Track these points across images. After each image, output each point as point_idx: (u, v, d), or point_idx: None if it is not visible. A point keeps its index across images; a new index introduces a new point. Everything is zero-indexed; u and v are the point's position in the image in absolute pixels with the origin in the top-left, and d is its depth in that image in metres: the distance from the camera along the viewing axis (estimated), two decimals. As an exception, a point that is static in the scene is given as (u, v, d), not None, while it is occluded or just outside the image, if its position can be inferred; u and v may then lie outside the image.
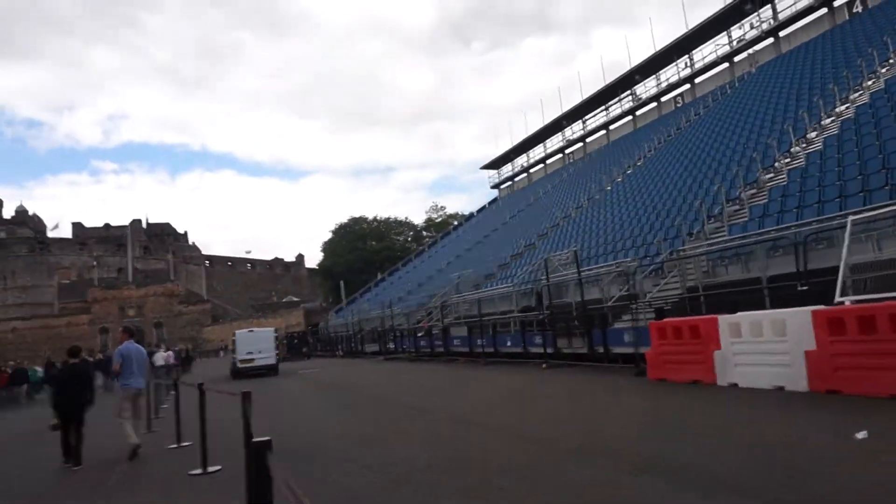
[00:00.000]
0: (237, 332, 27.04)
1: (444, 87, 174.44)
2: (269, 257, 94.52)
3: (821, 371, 7.68)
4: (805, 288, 9.03)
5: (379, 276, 57.42)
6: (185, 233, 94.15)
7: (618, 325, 15.08)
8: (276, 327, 36.86)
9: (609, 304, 16.63)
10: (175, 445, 8.58)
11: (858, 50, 27.67)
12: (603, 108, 56.18)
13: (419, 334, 25.31)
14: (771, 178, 19.69)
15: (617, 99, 54.18)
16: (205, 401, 7.19)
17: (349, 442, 8.01)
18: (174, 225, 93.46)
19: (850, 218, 8.48)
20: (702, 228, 18.24)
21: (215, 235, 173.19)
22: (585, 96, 56.15)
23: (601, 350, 13.82)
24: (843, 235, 11.94)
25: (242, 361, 24.53)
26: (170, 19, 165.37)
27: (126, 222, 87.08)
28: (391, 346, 28.12)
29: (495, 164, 71.16)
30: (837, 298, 7.95)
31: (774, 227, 14.20)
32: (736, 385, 8.99)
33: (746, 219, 16.61)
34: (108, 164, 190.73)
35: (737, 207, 18.74)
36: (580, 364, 14.58)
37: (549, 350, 15.62)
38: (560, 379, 13.07)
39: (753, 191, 19.31)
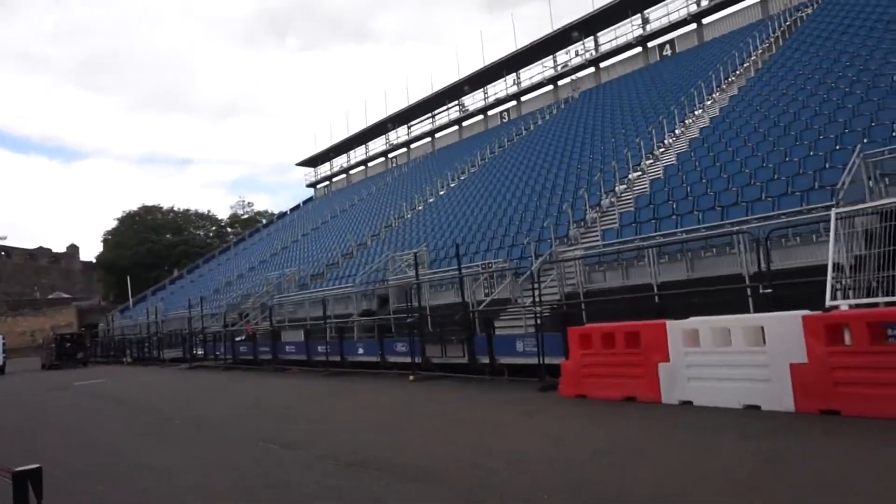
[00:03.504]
0: None
1: (256, 81, 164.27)
2: (32, 246, 79.45)
3: (814, 388, 6.47)
4: (769, 291, 7.93)
5: (176, 273, 50.62)
6: (-87, 207, 75.27)
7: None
8: (41, 328, 30.51)
9: (481, 306, 14.96)
10: None
11: (678, 86, 29.88)
12: (429, 115, 55.88)
13: (238, 339, 21.47)
14: (625, 189, 19.68)
15: (445, 107, 54.19)
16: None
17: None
18: None
19: (834, 211, 7.52)
20: (567, 234, 17.46)
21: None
22: (412, 101, 55.46)
23: (485, 360, 11.92)
24: (737, 242, 11.59)
25: None
26: None
27: None
28: (199, 352, 23.70)
29: (313, 161, 67.58)
30: (830, 302, 6.85)
31: (662, 232, 13.58)
32: (689, 403, 7.57)
33: (617, 225, 16.04)
34: None
35: (596, 215, 18.30)
36: (456, 376, 12.53)
37: (417, 359, 13.39)
38: (446, 395, 10.87)
39: (612, 199, 19.09)
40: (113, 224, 67.49)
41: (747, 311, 9.43)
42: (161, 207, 69.69)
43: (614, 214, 17.03)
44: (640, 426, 6.92)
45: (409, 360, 13.75)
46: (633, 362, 8.29)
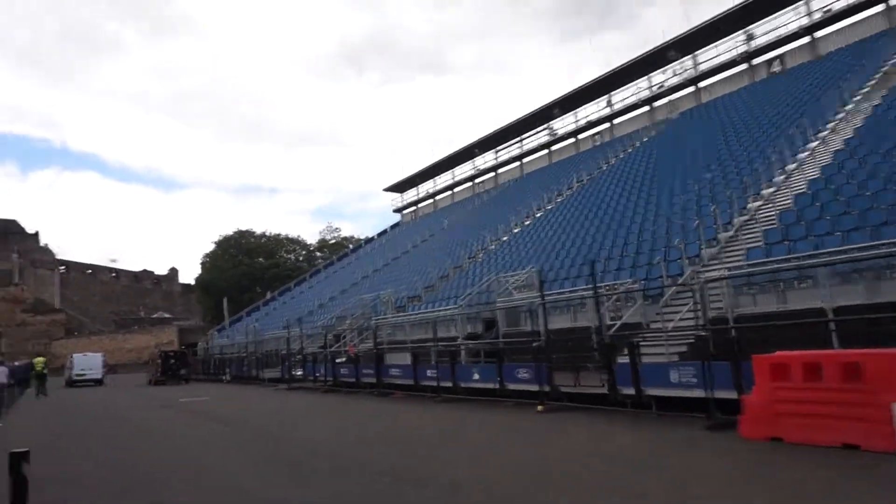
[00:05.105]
0: (74, 354, 36.66)
1: (338, 114, 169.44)
2: (137, 269, 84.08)
3: None
4: None
5: (269, 295, 51.66)
6: (37, 233, 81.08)
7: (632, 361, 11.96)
8: (146, 346, 31.76)
9: (611, 331, 13.54)
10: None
11: (796, 99, 27.67)
12: (517, 139, 55.03)
13: (338, 360, 20.91)
14: (761, 205, 17.85)
15: (534, 131, 53.20)
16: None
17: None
18: (22, 224, 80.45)
19: None
20: (698, 253, 15.86)
21: (74, 241, 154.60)
22: (499, 126, 54.83)
23: (629, 391, 10.54)
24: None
25: (77, 375, 34.23)
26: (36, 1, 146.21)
27: (-42, 214, 73.54)
28: (298, 372, 23.35)
29: (399, 187, 68.03)
30: None
31: (825, 250, 11.80)
32: (943, 456, 6.01)
33: (762, 243, 14.34)
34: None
35: (732, 233, 16.61)
36: (590, 407, 11.22)
37: (545, 388, 12.15)
38: (593, 431, 9.54)
39: (746, 217, 17.33)
40: (210, 247, 70.08)
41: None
42: (254, 232, 71.75)
43: (755, 231, 15.32)
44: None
45: (532, 387, 12.54)
46: (853, 401, 6.76)
